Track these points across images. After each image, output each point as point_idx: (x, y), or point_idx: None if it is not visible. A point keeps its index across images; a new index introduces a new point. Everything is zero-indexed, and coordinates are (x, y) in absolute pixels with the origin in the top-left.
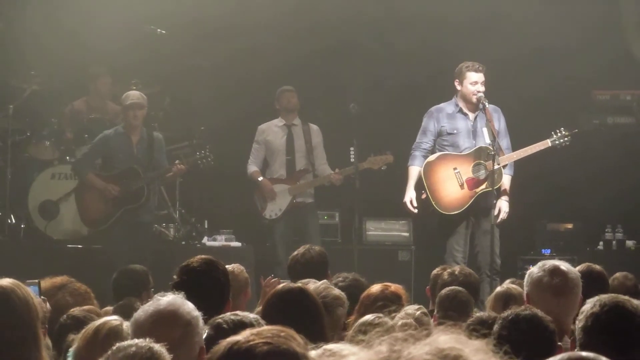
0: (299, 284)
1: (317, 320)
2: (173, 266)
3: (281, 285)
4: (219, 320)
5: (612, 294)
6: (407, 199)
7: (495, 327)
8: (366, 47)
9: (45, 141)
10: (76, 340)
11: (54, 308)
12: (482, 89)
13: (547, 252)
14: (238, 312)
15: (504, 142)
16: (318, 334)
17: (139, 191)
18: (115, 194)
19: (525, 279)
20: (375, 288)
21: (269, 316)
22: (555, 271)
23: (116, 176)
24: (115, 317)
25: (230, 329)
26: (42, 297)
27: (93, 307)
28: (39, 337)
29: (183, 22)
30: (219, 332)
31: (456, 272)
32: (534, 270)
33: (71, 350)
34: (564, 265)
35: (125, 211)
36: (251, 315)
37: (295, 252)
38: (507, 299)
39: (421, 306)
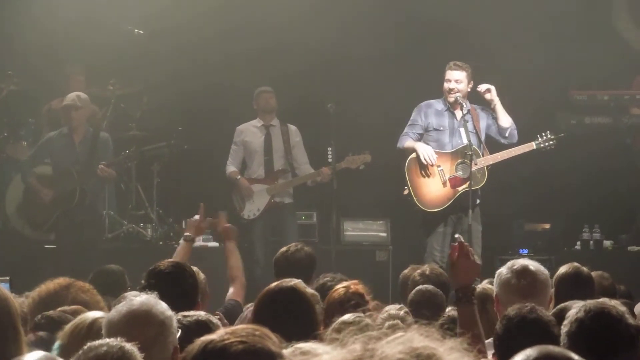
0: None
1: (310, 319)
2: (150, 267)
3: (273, 285)
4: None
5: (599, 300)
6: (424, 155)
7: (498, 327)
8: (346, 47)
9: (22, 141)
10: (63, 335)
11: (72, 304)
12: (459, 87)
13: (525, 252)
14: (191, 312)
15: (506, 122)
16: (311, 333)
17: (72, 193)
18: (48, 199)
19: (495, 280)
20: (337, 293)
21: (261, 315)
22: (523, 273)
23: (52, 178)
24: (102, 313)
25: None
26: (22, 298)
27: (79, 307)
28: (20, 334)
29: (161, 22)
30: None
31: (427, 272)
32: (503, 271)
33: (56, 344)
34: (532, 265)
35: (62, 213)
36: (202, 313)
37: (285, 248)
38: (483, 299)
39: (402, 305)
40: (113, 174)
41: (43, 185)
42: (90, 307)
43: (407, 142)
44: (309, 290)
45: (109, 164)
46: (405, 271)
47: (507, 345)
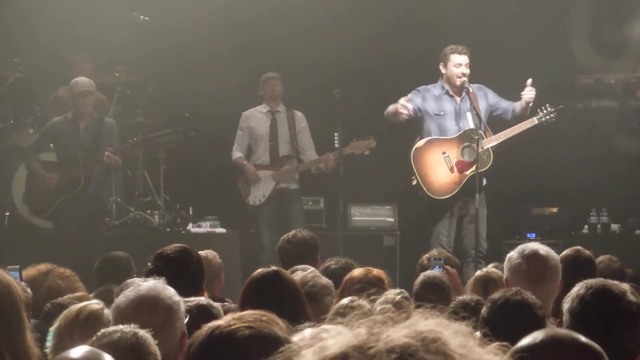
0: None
1: (296, 302)
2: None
3: (257, 272)
4: None
5: (601, 278)
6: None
7: (484, 310)
8: (351, 32)
9: (28, 129)
10: (57, 320)
11: (48, 292)
12: (467, 71)
13: (532, 236)
14: (191, 297)
15: (504, 104)
16: (299, 315)
17: (76, 180)
18: (52, 183)
19: (505, 264)
20: (357, 272)
21: (248, 303)
22: (532, 258)
23: (57, 164)
24: (96, 301)
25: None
26: (23, 282)
27: (84, 294)
28: (23, 320)
29: (167, 9)
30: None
31: (435, 255)
32: (513, 255)
33: (51, 329)
34: (543, 250)
35: (64, 200)
36: (203, 299)
37: (286, 235)
38: (486, 283)
39: (402, 290)
40: (119, 162)
41: (47, 171)
42: (64, 293)
43: (391, 107)
44: (323, 280)
45: (115, 151)
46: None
47: (491, 328)
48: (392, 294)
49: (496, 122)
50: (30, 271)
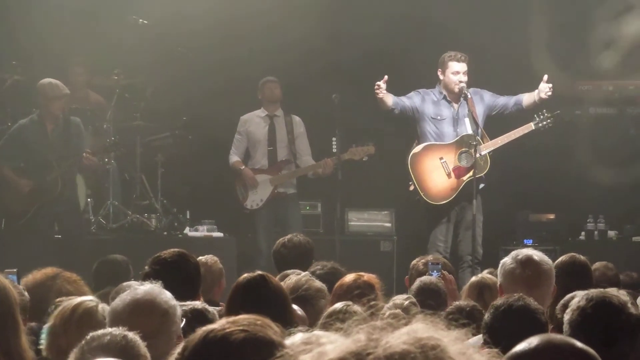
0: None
1: (282, 306)
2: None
3: (242, 277)
4: None
5: (601, 289)
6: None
7: (486, 316)
8: (350, 38)
9: None
10: (51, 318)
11: (57, 296)
12: (465, 78)
13: (529, 242)
14: (187, 302)
15: (501, 101)
16: (285, 320)
17: (53, 183)
18: (27, 190)
19: (499, 270)
20: (349, 278)
21: (234, 308)
22: (527, 263)
23: (30, 169)
24: (91, 297)
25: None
26: (21, 286)
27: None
28: (18, 323)
29: (165, 12)
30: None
31: (432, 261)
32: (507, 261)
33: (45, 327)
34: (536, 256)
35: (42, 205)
36: (198, 303)
37: (282, 239)
38: (481, 288)
39: (410, 296)
40: (98, 163)
41: (20, 176)
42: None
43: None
44: (317, 283)
45: (94, 152)
46: (415, 261)
47: (494, 333)
48: (400, 299)
49: (496, 123)
50: (36, 274)
